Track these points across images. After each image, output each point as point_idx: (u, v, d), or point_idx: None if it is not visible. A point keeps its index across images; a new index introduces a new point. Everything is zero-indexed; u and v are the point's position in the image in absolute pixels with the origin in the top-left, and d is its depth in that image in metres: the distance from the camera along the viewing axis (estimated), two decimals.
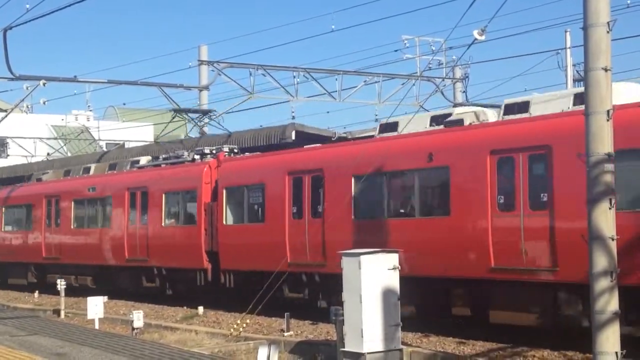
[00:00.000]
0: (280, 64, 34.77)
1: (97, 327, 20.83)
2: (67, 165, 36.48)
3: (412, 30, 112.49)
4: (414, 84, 36.55)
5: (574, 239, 13.90)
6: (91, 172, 31.05)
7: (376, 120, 33.46)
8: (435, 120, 18.70)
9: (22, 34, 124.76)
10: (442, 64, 38.64)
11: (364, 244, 17.05)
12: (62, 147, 53.89)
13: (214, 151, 25.15)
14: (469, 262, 16.26)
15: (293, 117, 34.71)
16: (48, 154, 48.63)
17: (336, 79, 35.11)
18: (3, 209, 35.12)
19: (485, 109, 18.74)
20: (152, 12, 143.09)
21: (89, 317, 21.34)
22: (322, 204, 19.91)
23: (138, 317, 19.19)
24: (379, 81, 35.95)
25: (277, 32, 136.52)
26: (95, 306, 21.17)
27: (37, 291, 30.58)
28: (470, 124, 17.69)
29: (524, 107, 16.89)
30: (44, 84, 31.07)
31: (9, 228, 34.98)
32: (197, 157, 25.50)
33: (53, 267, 31.36)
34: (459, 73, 39.16)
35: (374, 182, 18.69)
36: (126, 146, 44.45)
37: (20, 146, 47.96)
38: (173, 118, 34.09)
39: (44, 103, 41.45)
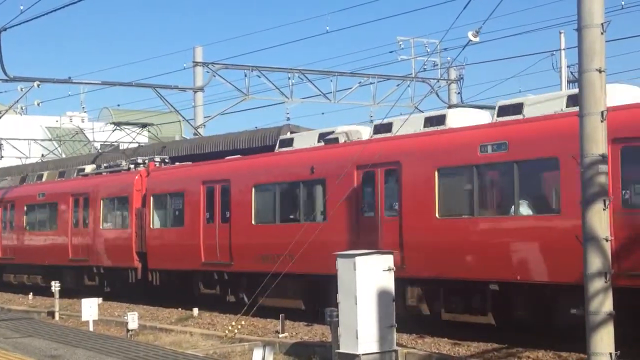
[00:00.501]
0: (275, 65, 34.90)
1: (91, 328, 20.75)
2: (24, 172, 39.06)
3: (407, 31, 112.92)
4: (408, 85, 36.66)
5: (415, 240, 17.10)
6: (43, 179, 33.28)
7: (371, 121, 33.54)
8: (321, 137, 20.83)
9: (16, 35, 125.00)
10: (437, 65, 38.70)
11: (261, 246, 20.50)
12: (56, 148, 53.79)
13: (146, 161, 27.37)
14: None
15: (288, 119, 34.79)
16: (43, 155, 48.54)
17: (331, 80, 35.23)
18: None
19: (360, 128, 20.48)
20: (146, 13, 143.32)
21: (84, 318, 21.26)
22: (229, 211, 22.13)
23: (132, 319, 19.14)
24: (373, 82, 36.03)
25: (272, 33, 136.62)
26: (90, 308, 21.09)
27: (31, 293, 30.62)
28: (344, 142, 19.85)
29: (388, 127, 18.91)
30: (38, 86, 31.14)
31: None
32: (132, 166, 27.82)
33: (9, 267, 33.90)
34: (454, 74, 39.21)
35: (270, 191, 21.19)
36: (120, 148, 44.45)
37: (15, 147, 47.85)
38: (114, 130, 37.71)
39: (39, 104, 41.62)
